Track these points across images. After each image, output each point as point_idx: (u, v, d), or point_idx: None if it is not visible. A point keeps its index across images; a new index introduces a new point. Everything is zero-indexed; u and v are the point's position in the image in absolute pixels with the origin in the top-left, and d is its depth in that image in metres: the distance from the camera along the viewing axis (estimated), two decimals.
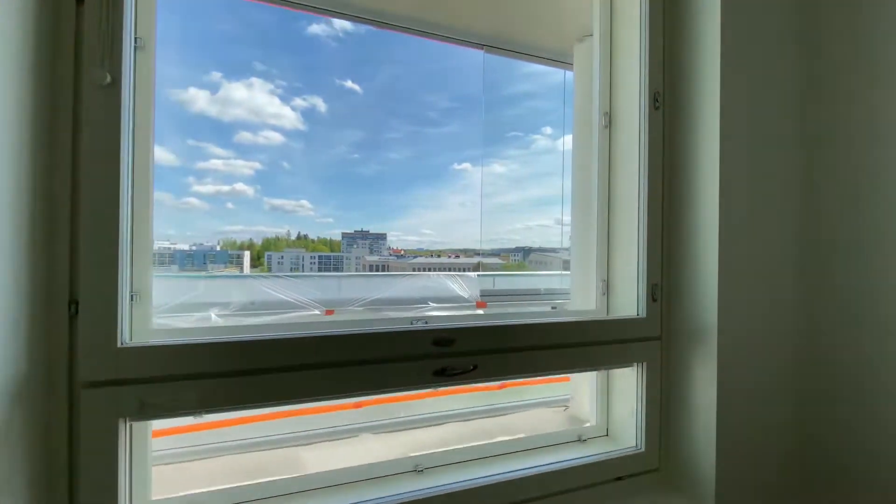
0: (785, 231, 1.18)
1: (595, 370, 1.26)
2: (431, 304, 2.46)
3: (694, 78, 1.14)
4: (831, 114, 1.17)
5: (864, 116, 1.11)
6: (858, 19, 1.12)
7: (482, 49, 3.07)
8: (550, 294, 3.09)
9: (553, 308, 3.08)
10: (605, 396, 1.32)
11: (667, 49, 1.21)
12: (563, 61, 3.29)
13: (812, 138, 1.20)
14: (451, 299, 2.61)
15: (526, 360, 1.03)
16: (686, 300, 1.15)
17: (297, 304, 2.20)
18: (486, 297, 2.89)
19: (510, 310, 3.18)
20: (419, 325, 1.00)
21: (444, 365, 0.92)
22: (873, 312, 1.08)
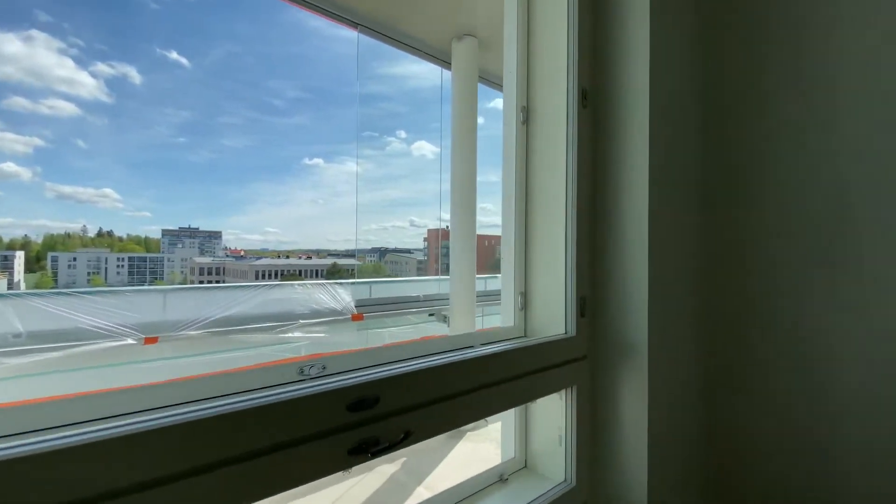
0: (691, 237, 1.20)
1: (530, 401, 1.10)
2: (302, 322, 2.01)
3: (624, 76, 1.07)
4: (729, 125, 1.22)
5: (760, 122, 1.17)
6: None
7: (356, 29, 2.74)
8: (430, 301, 2.92)
9: (430, 315, 2.90)
10: (523, 423, 1.18)
11: (598, 44, 1.12)
12: (440, 58, 3.17)
13: (712, 146, 1.24)
14: (321, 313, 2.19)
15: (474, 405, 0.79)
16: (615, 314, 1.07)
17: (101, 332, 1.55)
18: (363, 307, 2.56)
19: (388, 321, 2.91)
20: (316, 376, 0.68)
21: (364, 437, 0.63)
22: (766, 315, 1.14)
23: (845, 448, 1.04)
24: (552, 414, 1.10)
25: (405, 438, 0.66)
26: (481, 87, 2.91)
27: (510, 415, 1.20)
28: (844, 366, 1.04)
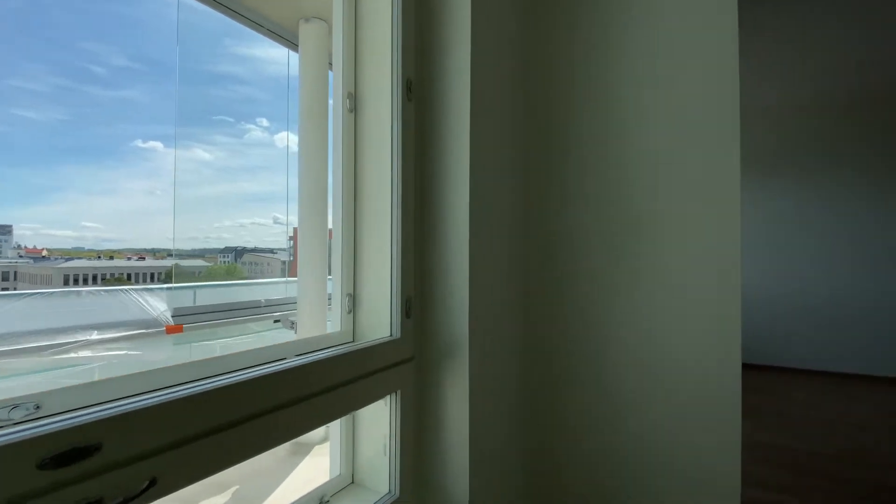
0: (515, 234, 1.25)
1: (351, 412, 1.01)
2: (93, 338, 1.59)
3: (446, 69, 1.05)
4: (542, 132, 1.30)
5: (569, 128, 1.27)
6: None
7: None
8: (273, 306, 2.64)
9: (276, 322, 2.64)
10: (350, 435, 1.09)
11: (423, 31, 1.08)
12: (288, 39, 2.91)
13: (528, 140, 1.31)
14: (124, 325, 1.78)
15: (260, 431, 0.67)
16: (439, 313, 1.05)
17: None
18: (184, 316, 2.18)
19: (221, 331, 2.53)
20: (21, 421, 0.51)
21: (77, 499, 0.47)
22: (578, 312, 1.24)
23: (649, 450, 1.18)
24: (380, 422, 1.04)
25: (149, 488, 0.52)
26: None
27: (336, 427, 1.10)
28: (644, 362, 1.18)
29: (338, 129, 1.11)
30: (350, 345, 0.99)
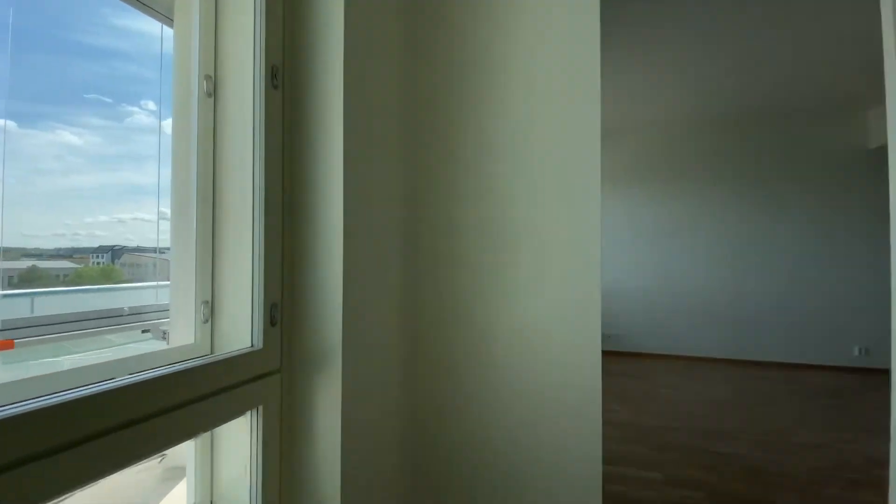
0: (395, 235, 1.22)
1: (201, 433, 0.90)
2: None
3: (317, 56, 0.99)
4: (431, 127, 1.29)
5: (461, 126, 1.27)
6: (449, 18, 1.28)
7: None
8: (140, 314, 2.31)
9: (145, 332, 2.33)
10: (207, 458, 0.98)
11: (292, 16, 1.00)
12: (162, 13, 2.58)
13: (417, 144, 1.30)
14: None
15: (77, 462, 0.56)
16: (310, 320, 0.98)
17: None
18: (19, 329, 1.81)
19: (70, 345, 2.15)
20: None
21: None
22: (459, 313, 1.25)
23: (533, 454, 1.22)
24: (243, 440, 0.94)
25: None
26: None
27: (191, 450, 0.98)
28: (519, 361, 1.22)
29: (193, 115, 0.98)
30: (200, 358, 0.88)
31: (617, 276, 5.29)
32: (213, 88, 0.99)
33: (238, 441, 0.95)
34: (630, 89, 4.00)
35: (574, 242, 1.20)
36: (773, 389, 3.85)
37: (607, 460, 2.49)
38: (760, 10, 2.65)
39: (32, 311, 1.94)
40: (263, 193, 0.92)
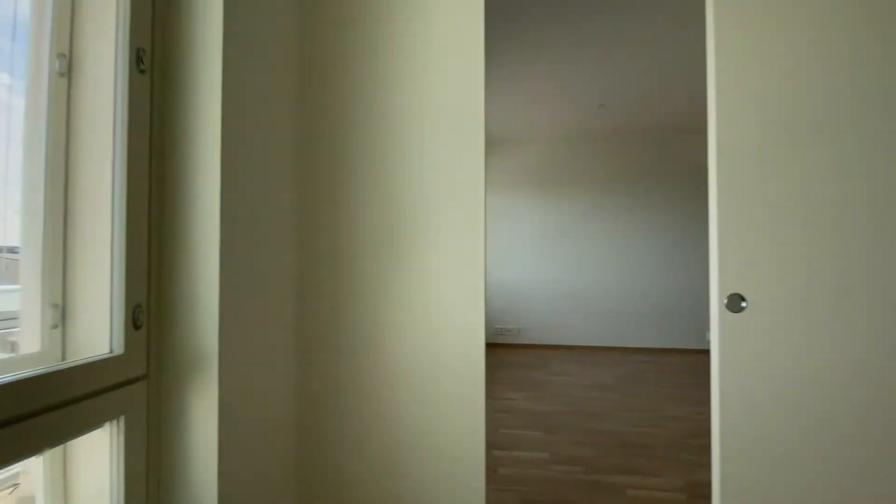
0: (284, 234, 1.19)
1: (47, 450, 0.80)
2: None
3: (193, 42, 0.93)
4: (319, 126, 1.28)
5: (346, 121, 1.28)
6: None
7: None
8: None
9: None
10: (58, 478, 0.88)
11: None
12: None
13: (306, 138, 1.28)
14: None
15: None
16: (181, 321, 0.93)
17: None
18: None
19: None
20: None
21: None
22: (351, 315, 1.26)
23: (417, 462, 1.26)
24: (102, 455, 0.86)
25: None
26: None
27: (38, 468, 0.87)
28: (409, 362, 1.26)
29: (42, 95, 0.88)
30: (45, 367, 0.80)
31: (520, 275, 5.64)
32: (66, 68, 0.89)
33: (97, 456, 0.87)
34: (525, 103, 4.29)
35: (460, 245, 1.27)
36: (646, 371, 4.40)
37: (502, 445, 2.66)
38: (626, 48, 3.01)
39: None
40: (125, 185, 0.85)
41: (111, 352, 0.84)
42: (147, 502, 0.90)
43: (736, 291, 1.27)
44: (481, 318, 1.28)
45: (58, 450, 0.85)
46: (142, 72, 0.89)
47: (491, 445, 2.66)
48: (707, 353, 4.99)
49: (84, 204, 0.87)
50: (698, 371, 4.39)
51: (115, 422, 0.84)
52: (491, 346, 5.54)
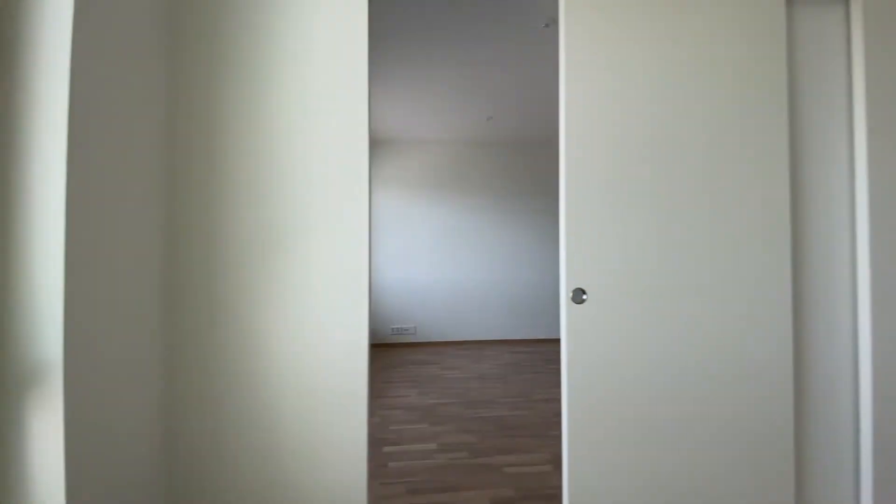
0: (147, 236, 1.13)
1: None
2: None
3: (33, 27, 0.85)
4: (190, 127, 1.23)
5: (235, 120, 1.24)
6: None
7: None
8: None
9: None
10: None
11: None
12: None
13: (176, 139, 1.22)
14: None
15: None
16: (15, 327, 0.84)
17: None
18: None
19: None
20: None
21: None
22: (226, 317, 1.24)
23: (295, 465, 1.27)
24: None
25: None
26: None
27: None
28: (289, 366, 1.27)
29: None
30: None
31: (417, 274, 5.79)
32: None
33: None
34: (425, 108, 4.45)
35: (343, 246, 1.33)
36: (525, 360, 4.85)
37: (393, 441, 2.75)
38: (508, 68, 3.33)
39: None
40: None
41: None
42: None
43: (579, 286, 1.52)
44: (364, 320, 1.34)
45: None
46: None
47: (382, 442, 2.73)
48: None
49: None
50: None
51: None
52: (388, 346, 5.60)
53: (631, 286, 1.54)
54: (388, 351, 5.38)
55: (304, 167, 1.31)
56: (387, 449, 2.63)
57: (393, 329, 5.69)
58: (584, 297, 1.52)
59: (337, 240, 1.33)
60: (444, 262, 5.85)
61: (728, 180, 1.59)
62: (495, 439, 2.78)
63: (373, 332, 5.66)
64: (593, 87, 1.54)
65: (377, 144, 5.74)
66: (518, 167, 6.01)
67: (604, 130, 1.54)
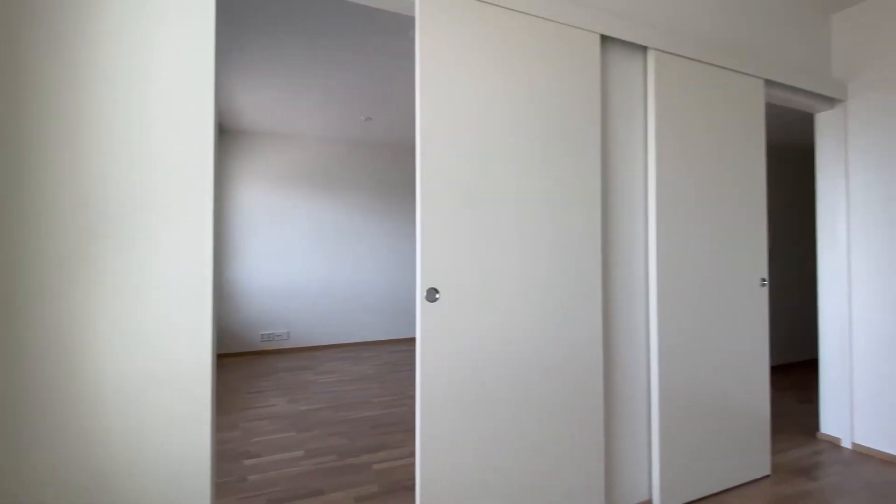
0: None
1: None
2: None
3: None
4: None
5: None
6: None
7: None
8: None
9: None
10: None
11: None
12: None
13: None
14: None
15: None
16: None
17: None
18: None
19: None
20: None
21: None
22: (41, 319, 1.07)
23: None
24: None
25: None
26: None
27: None
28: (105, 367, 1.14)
29: None
30: None
31: (289, 277, 5.51)
32: None
33: None
34: (300, 102, 4.27)
35: (189, 245, 1.24)
36: (400, 359, 4.96)
37: (254, 453, 2.60)
38: (382, 72, 3.40)
39: None
40: None
41: None
42: None
43: (432, 286, 1.64)
44: (208, 326, 1.27)
45: None
46: None
47: (242, 456, 2.56)
48: None
49: None
50: None
51: None
52: (258, 354, 5.23)
53: (478, 285, 1.71)
54: (258, 359, 5.04)
55: (138, 160, 1.19)
56: (247, 462, 2.48)
57: (263, 335, 5.33)
58: (437, 295, 1.64)
59: (176, 236, 1.23)
60: (320, 264, 5.67)
61: (559, 193, 1.86)
62: (366, 439, 2.81)
63: (239, 341, 5.23)
64: (449, 100, 1.67)
65: (249, 136, 5.33)
66: (397, 168, 6.11)
67: (457, 142, 1.68)
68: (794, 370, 4.61)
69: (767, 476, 2.39)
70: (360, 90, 4.00)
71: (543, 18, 1.86)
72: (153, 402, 1.21)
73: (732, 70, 2.34)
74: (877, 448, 2.64)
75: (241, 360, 5.03)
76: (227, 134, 5.25)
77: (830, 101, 2.84)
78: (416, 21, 1.65)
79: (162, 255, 1.22)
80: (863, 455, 2.64)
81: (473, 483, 1.67)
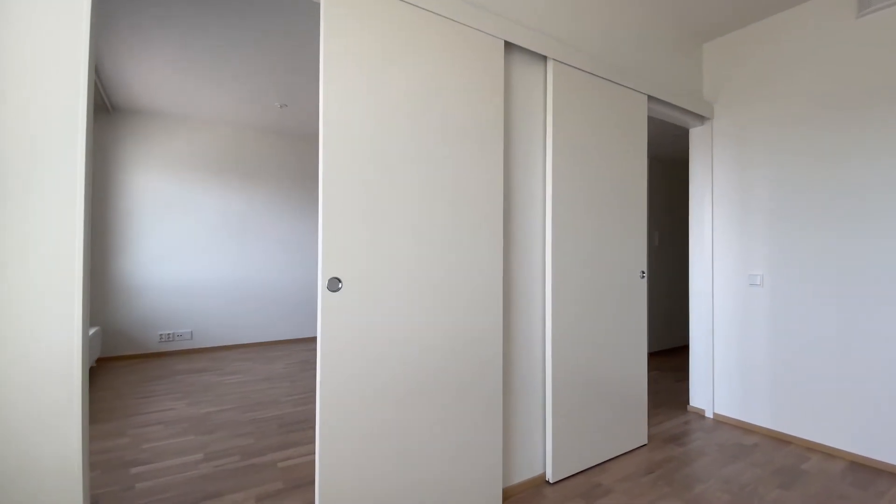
0: None
1: None
2: None
3: None
4: None
5: None
6: None
7: None
8: None
9: None
10: None
11: None
12: None
13: None
14: None
15: None
16: None
17: None
18: None
19: None
20: None
21: None
22: None
23: None
24: None
25: None
26: None
27: None
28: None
29: None
30: None
31: (193, 271, 5.11)
32: None
33: None
34: (209, 83, 3.97)
35: (53, 231, 1.12)
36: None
37: (144, 460, 2.40)
38: (298, 59, 3.30)
39: None
40: None
41: None
42: None
43: (334, 275, 1.64)
44: (77, 320, 1.16)
45: None
46: None
47: (130, 464, 2.35)
48: None
49: None
50: None
51: None
52: (156, 356, 4.78)
53: (381, 276, 1.74)
54: (155, 361, 4.61)
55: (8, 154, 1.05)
56: (135, 470, 2.28)
57: (162, 336, 4.89)
58: (340, 285, 1.65)
59: (35, 217, 1.12)
60: (227, 258, 5.32)
61: (463, 189, 1.96)
62: (273, 438, 2.72)
63: (133, 342, 4.74)
64: (354, 92, 1.68)
65: (145, 116, 4.82)
66: (311, 159, 5.91)
67: (361, 132, 1.69)
68: (677, 354, 5.24)
69: (644, 445, 2.71)
70: (270, 74, 3.82)
71: (452, 20, 1.93)
72: (14, 409, 1.09)
73: (621, 85, 2.62)
74: (731, 416, 3.11)
75: (133, 362, 4.57)
76: (120, 113, 4.72)
77: (701, 119, 3.28)
78: (321, 9, 1.64)
79: (14, 243, 1.09)
80: (721, 423, 3.10)
81: (375, 476, 1.71)
